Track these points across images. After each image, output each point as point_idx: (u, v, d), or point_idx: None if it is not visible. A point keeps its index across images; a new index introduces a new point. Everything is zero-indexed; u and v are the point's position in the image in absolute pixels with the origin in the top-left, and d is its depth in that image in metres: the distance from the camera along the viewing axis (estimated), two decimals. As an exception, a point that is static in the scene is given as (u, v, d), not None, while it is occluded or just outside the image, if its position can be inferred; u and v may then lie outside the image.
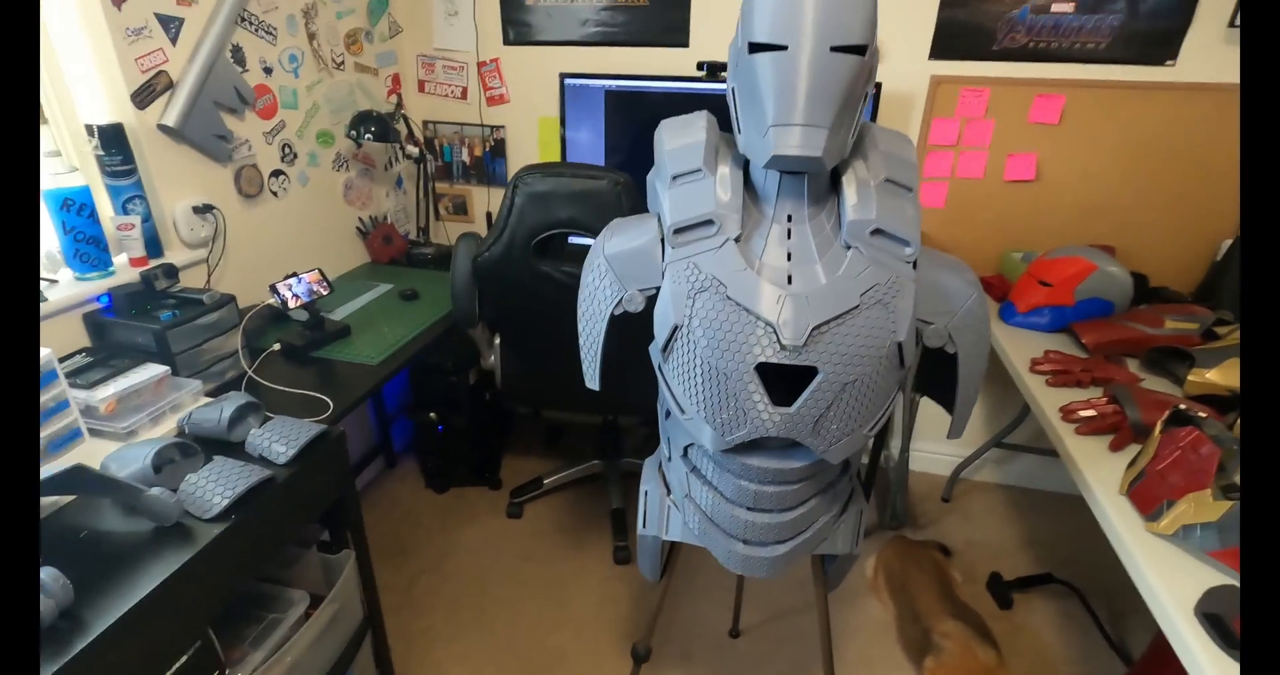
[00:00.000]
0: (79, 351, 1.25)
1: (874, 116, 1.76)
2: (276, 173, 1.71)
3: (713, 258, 0.86)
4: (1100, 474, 1.16)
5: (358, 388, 1.43)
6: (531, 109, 2.14)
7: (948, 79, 1.82)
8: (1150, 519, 1.02)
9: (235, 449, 1.15)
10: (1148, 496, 1.05)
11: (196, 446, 1.09)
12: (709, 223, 0.88)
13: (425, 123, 2.24)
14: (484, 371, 1.90)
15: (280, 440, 1.14)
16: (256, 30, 1.58)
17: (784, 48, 0.78)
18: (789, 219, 0.89)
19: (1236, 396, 1.24)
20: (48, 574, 0.79)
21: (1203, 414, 1.08)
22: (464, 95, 2.17)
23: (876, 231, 0.85)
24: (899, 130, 1.02)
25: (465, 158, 2.26)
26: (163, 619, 0.91)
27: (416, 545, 2.04)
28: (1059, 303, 1.67)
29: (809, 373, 0.83)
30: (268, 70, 1.63)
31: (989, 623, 1.60)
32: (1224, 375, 1.33)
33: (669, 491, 1.09)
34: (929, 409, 2.30)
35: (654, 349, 0.93)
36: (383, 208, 2.17)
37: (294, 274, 1.55)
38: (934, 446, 2.35)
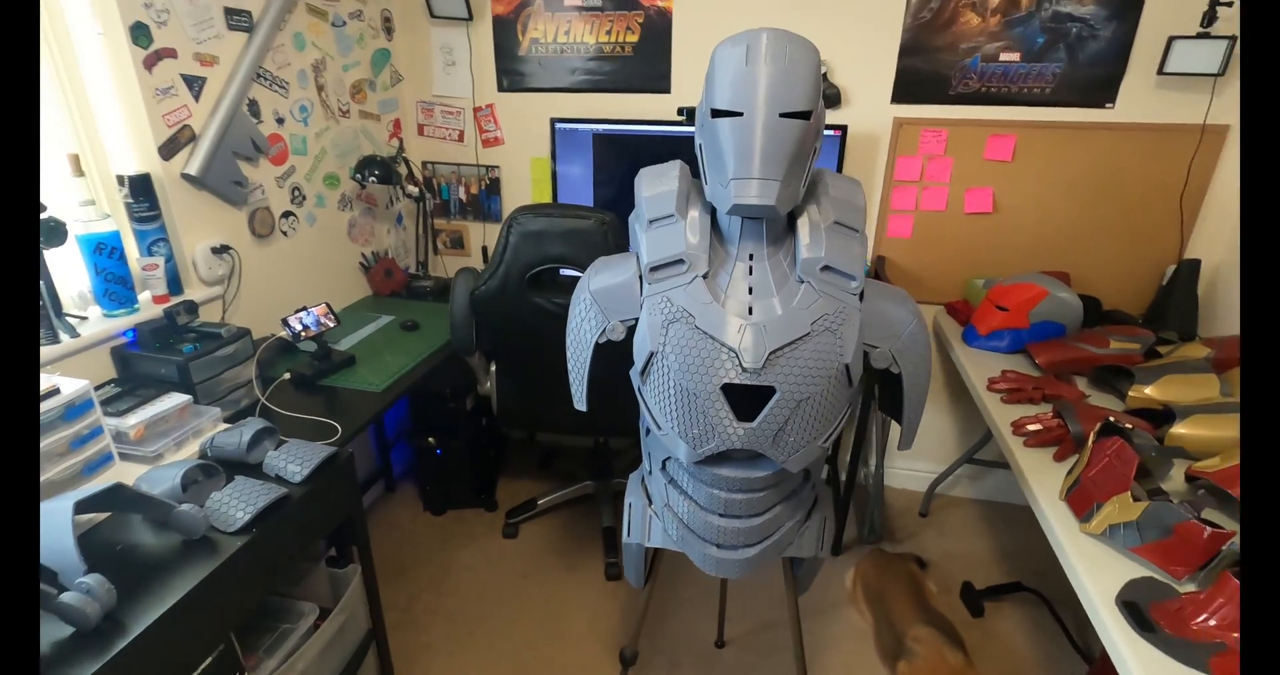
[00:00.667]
0: (108, 382, 1.36)
1: (841, 155, 1.91)
2: (287, 214, 1.84)
3: (683, 292, 0.99)
4: (1044, 482, 1.27)
5: (363, 413, 1.54)
6: (524, 150, 2.29)
7: (909, 121, 1.98)
8: (1083, 521, 1.14)
9: (254, 470, 1.25)
10: (1081, 500, 1.16)
11: (219, 467, 1.19)
12: (680, 262, 1.01)
13: (424, 163, 2.39)
14: (481, 397, 2.00)
15: (295, 461, 1.24)
16: (271, 85, 1.72)
17: (740, 114, 0.91)
18: (750, 257, 1.01)
19: (1170, 409, 1.36)
20: (94, 580, 0.89)
21: (1128, 425, 1.20)
22: (461, 138, 2.32)
23: (826, 268, 0.98)
24: (852, 176, 1.15)
25: (462, 195, 2.40)
26: (191, 623, 1.01)
27: (416, 565, 2.12)
28: (1016, 326, 1.80)
29: (768, 392, 0.95)
30: (280, 120, 1.77)
31: (961, 630, 1.70)
32: (1160, 390, 1.46)
33: (650, 502, 1.19)
34: (894, 425, 2.41)
35: (634, 373, 1.05)
36: (384, 244, 2.30)
37: (304, 308, 1.66)
38: (911, 464, 2.45)
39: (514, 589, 2.02)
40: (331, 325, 1.70)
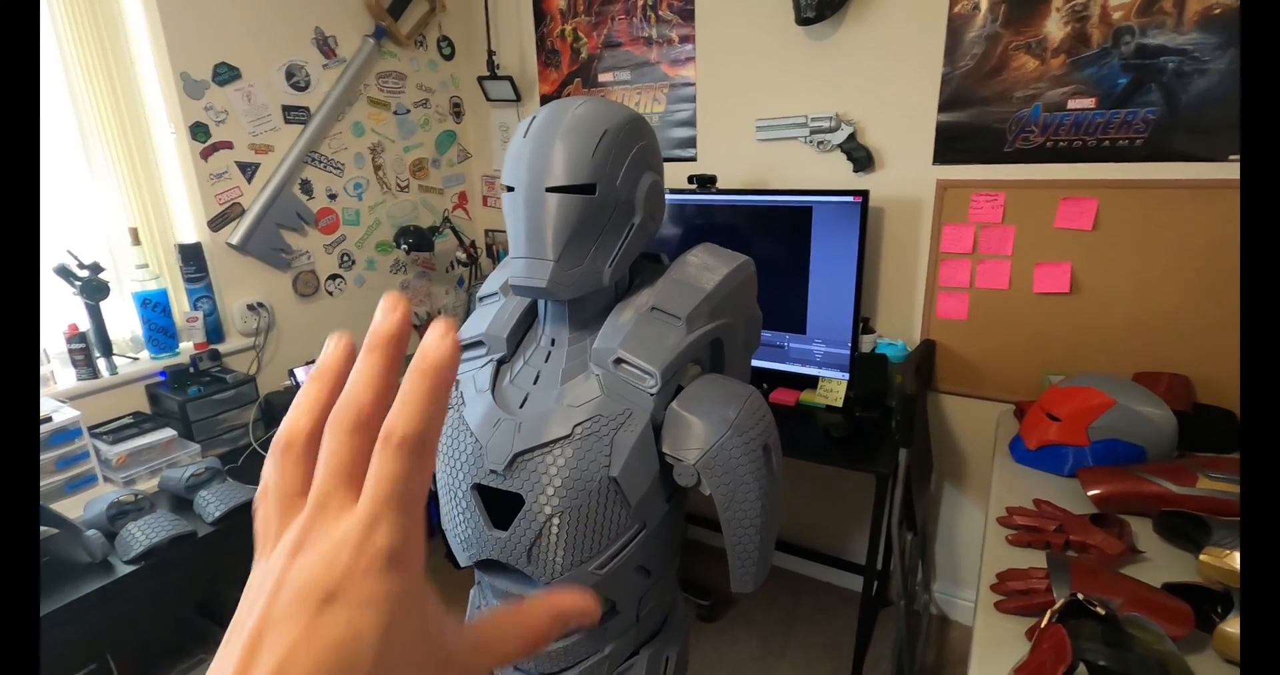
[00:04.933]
0: (129, 414, 1.63)
1: (864, 225, 1.67)
2: (333, 276, 2.09)
3: (471, 377, 0.92)
4: (991, 667, 0.93)
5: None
6: (570, 218, 2.35)
7: (956, 183, 1.68)
8: (1001, 739, 0.80)
9: (187, 506, 1.39)
10: (1009, 708, 0.82)
11: (149, 499, 1.35)
12: (481, 343, 0.94)
13: (486, 231, 2.57)
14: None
15: (217, 501, 1.36)
16: (325, 167, 2.00)
17: (512, 189, 0.85)
18: (553, 342, 0.92)
19: (1229, 594, 0.92)
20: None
21: (1100, 610, 0.83)
22: (516, 207, 2.46)
23: (619, 360, 0.85)
24: (741, 254, 0.99)
25: (516, 260, 2.53)
26: (61, 638, 1.12)
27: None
28: (1072, 442, 1.38)
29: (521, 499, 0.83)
30: (332, 196, 2.04)
31: None
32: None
33: (474, 603, 1.09)
34: (971, 547, 1.95)
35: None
36: (440, 304, 2.49)
37: (312, 360, 1.85)
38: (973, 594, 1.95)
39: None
40: (335, 377, 1.86)
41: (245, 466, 1.59)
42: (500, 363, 0.92)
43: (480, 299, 1.02)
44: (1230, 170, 1.41)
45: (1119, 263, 1.55)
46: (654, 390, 0.83)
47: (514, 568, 0.90)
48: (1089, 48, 1.47)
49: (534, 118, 0.85)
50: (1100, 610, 0.83)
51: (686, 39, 1.94)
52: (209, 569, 1.35)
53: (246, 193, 1.82)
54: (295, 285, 1.99)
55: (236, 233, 1.80)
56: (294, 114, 1.89)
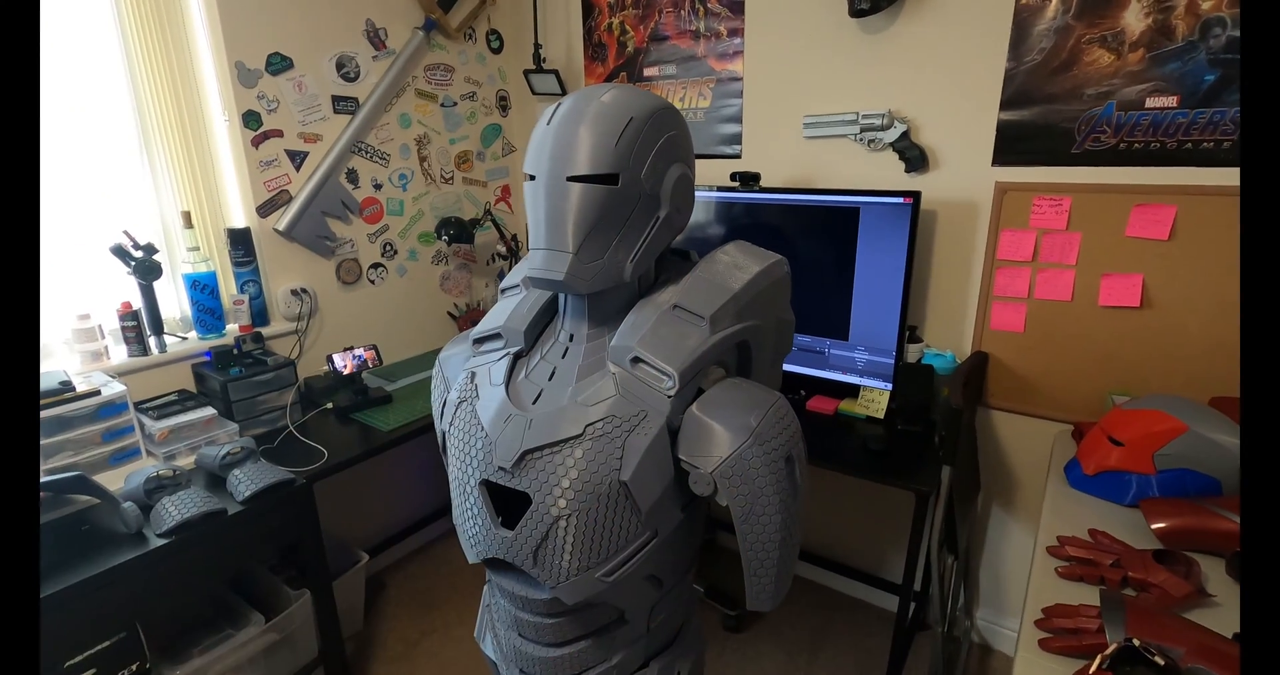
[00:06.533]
0: (174, 392, 1.68)
1: (914, 228, 1.58)
2: (376, 265, 2.12)
3: (487, 370, 0.90)
4: (1029, 710, 0.85)
5: (363, 449, 1.66)
6: (611, 214, 2.33)
7: (1016, 186, 1.57)
8: (1034, 792, 0.73)
9: (220, 484, 1.43)
10: (1044, 758, 0.74)
11: (186, 475, 1.38)
12: (499, 336, 0.92)
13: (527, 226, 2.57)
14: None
15: (248, 481, 1.39)
16: (371, 157, 2.03)
17: (534, 178, 0.82)
18: (571, 338, 0.89)
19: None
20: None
21: (1159, 660, 0.75)
22: (558, 202, 2.45)
23: (636, 360, 0.81)
24: (774, 253, 0.94)
25: (556, 255, 2.52)
26: (95, 604, 1.16)
27: (442, 605, 2.18)
28: (1137, 469, 1.27)
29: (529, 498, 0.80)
30: (377, 186, 2.06)
31: None
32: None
33: (486, 600, 1.07)
34: (1018, 574, 1.83)
35: (445, 454, 0.97)
36: (480, 296, 2.50)
37: (350, 347, 1.88)
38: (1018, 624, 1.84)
39: (510, 655, 1.95)
40: (371, 366, 1.89)
41: (280, 448, 1.63)
42: (517, 357, 0.90)
43: (503, 290, 1.00)
44: (1333, 177, 1.27)
45: (1197, 277, 1.42)
46: (671, 392, 0.79)
47: (521, 569, 0.88)
48: (1173, 41, 1.35)
49: (559, 105, 0.82)
50: (1160, 660, 0.75)
51: (735, 32, 1.89)
52: (238, 547, 1.38)
53: (294, 180, 1.86)
54: (338, 273, 2.02)
55: (284, 219, 1.84)
56: (343, 104, 1.92)
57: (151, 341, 1.66)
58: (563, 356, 0.87)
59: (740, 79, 1.92)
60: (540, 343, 0.91)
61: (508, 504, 0.85)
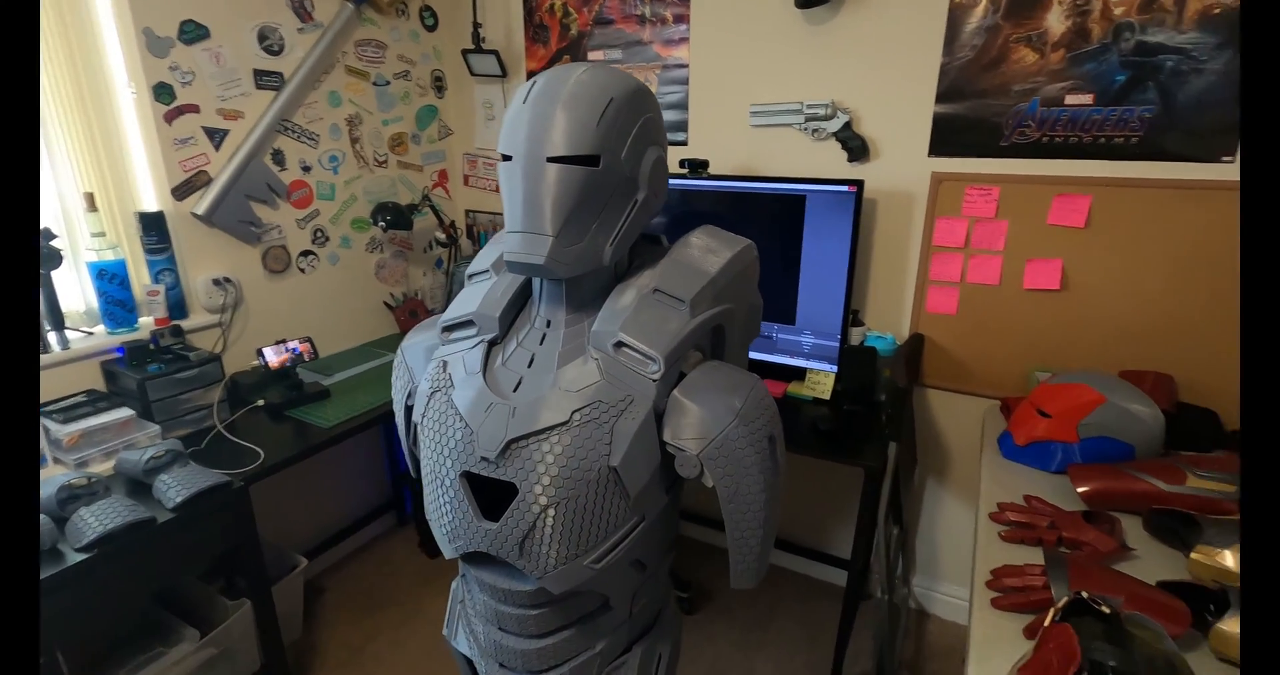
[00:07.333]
0: (82, 392, 1.52)
1: (858, 215, 1.64)
2: (306, 253, 1.99)
3: (460, 358, 0.86)
4: (990, 665, 0.91)
5: (302, 447, 1.57)
6: (554, 201, 2.29)
7: (950, 176, 1.66)
8: (1004, 739, 0.78)
9: (146, 491, 1.31)
10: (1009, 707, 0.80)
11: (104, 483, 1.26)
12: (471, 323, 0.89)
13: (467, 212, 2.49)
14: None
15: (178, 487, 1.28)
16: (299, 137, 1.90)
17: (509, 159, 0.79)
18: (548, 324, 0.86)
19: (1225, 592, 0.92)
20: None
21: (1105, 609, 0.82)
22: (498, 188, 2.38)
23: (620, 344, 0.80)
24: (743, 238, 0.95)
25: (497, 243, 2.45)
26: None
27: (387, 605, 2.10)
28: (1062, 438, 1.38)
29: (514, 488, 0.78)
30: (306, 168, 1.94)
31: None
32: (1237, 560, 1.00)
33: (459, 595, 1.04)
34: (951, 542, 1.96)
35: (416, 447, 0.93)
36: (417, 285, 2.40)
37: (283, 340, 1.76)
38: (962, 590, 1.97)
39: (463, 652, 1.91)
40: (306, 359, 1.78)
41: (209, 450, 1.51)
42: (491, 344, 0.87)
43: (470, 276, 0.97)
44: (1222, 172, 1.42)
45: (1109, 261, 1.55)
46: (656, 376, 0.79)
47: (503, 561, 0.86)
48: (1089, 43, 1.46)
49: (534, 83, 0.80)
50: (1105, 609, 0.82)
51: (681, 18, 1.89)
52: (169, 557, 1.27)
53: (214, 161, 1.72)
54: (265, 260, 1.89)
55: (203, 203, 1.70)
56: (266, 79, 1.79)
57: (51, 337, 1.50)
58: (540, 343, 0.85)
59: (686, 66, 1.92)
60: (514, 329, 0.89)
61: (488, 495, 0.83)
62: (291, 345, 1.77)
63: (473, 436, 0.79)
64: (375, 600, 2.12)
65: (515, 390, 0.82)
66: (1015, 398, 1.67)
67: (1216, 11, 1.35)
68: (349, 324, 2.18)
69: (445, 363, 0.87)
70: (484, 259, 0.96)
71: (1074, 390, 1.38)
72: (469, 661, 1.07)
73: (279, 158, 1.86)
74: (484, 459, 0.78)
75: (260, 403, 1.73)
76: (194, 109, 1.65)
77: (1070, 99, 1.50)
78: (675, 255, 0.88)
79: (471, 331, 0.89)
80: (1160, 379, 1.52)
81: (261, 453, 1.50)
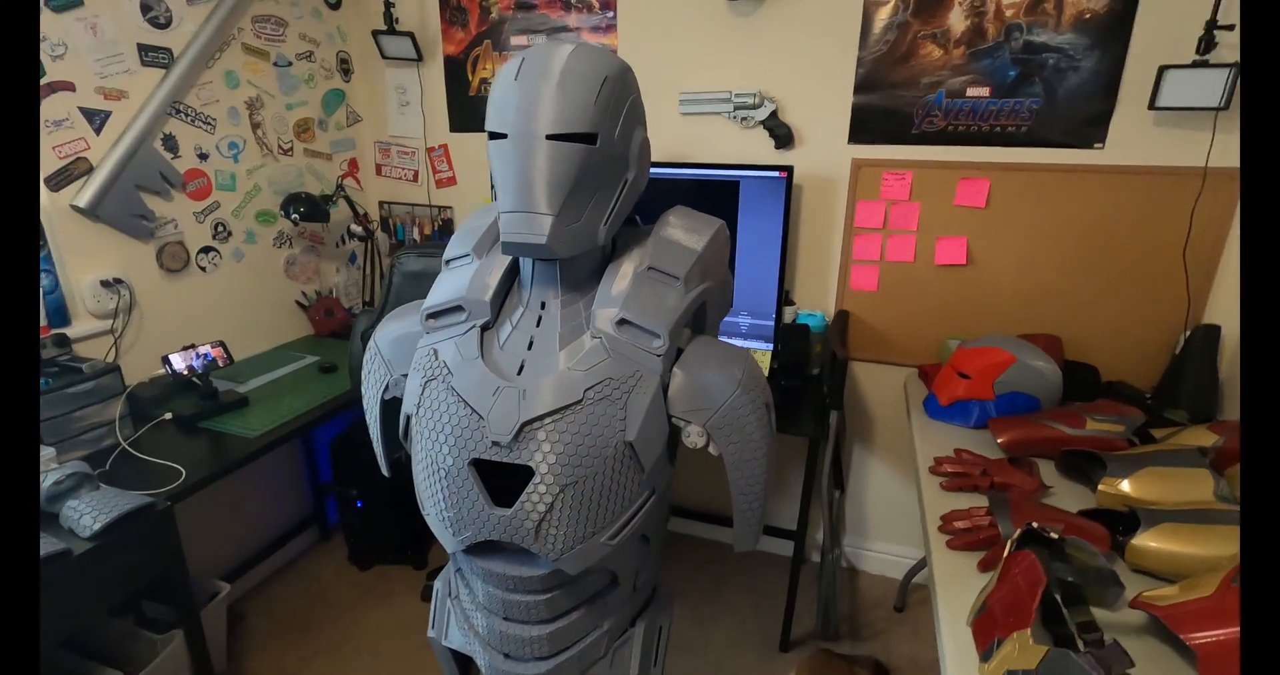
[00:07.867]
0: (-52, 415, 1.31)
1: (788, 199, 1.73)
2: (206, 249, 1.81)
3: (452, 345, 0.83)
4: (955, 599, 1.01)
5: (228, 460, 1.43)
6: (477, 191, 2.22)
7: (869, 162, 1.79)
8: (983, 658, 0.87)
9: (52, 520, 1.15)
10: (985, 630, 0.90)
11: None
12: (459, 309, 0.86)
13: (381, 203, 2.36)
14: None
15: (92, 512, 1.13)
16: (193, 121, 1.72)
17: (504, 136, 0.77)
18: (542, 306, 0.85)
19: (1135, 512, 1.07)
20: None
21: (1054, 534, 0.93)
22: (415, 178, 2.28)
23: (624, 322, 0.81)
24: (715, 218, 0.97)
25: (416, 236, 2.35)
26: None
27: (321, 624, 1.97)
28: (980, 396, 1.53)
29: (528, 472, 0.77)
30: (203, 156, 1.76)
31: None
32: (1136, 486, 1.17)
33: (451, 591, 1.01)
34: (878, 502, 2.12)
35: (406, 440, 0.89)
36: (330, 282, 2.25)
37: (191, 346, 1.60)
38: (887, 546, 2.14)
39: (416, 660, 1.83)
40: (221, 365, 1.62)
41: (116, 469, 1.35)
42: (484, 329, 0.85)
43: (447, 262, 0.93)
44: (1095, 157, 1.63)
45: (1006, 238, 1.74)
46: (661, 351, 0.80)
47: (511, 548, 0.84)
48: (985, 41, 1.62)
49: (521, 60, 0.78)
50: (1054, 535, 0.93)
51: (608, 5, 1.89)
52: (85, 593, 1.13)
53: (95, 146, 1.52)
54: (160, 258, 1.70)
55: (84, 194, 1.50)
56: (152, 55, 1.60)
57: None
58: (536, 325, 0.84)
59: (614, 53, 1.93)
60: (505, 312, 0.87)
61: (492, 482, 0.81)
62: (203, 350, 1.61)
63: (480, 422, 0.77)
64: (306, 621, 1.98)
65: (519, 373, 0.80)
66: (931, 364, 1.84)
67: (1088, 16, 1.54)
68: (259, 326, 2.00)
69: (436, 350, 0.84)
70: (461, 243, 0.93)
71: (988, 353, 1.54)
72: (459, 660, 1.04)
73: (171, 144, 1.68)
74: (495, 444, 0.77)
75: (168, 416, 1.57)
76: (68, 87, 1.45)
77: (971, 91, 1.66)
78: (661, 234, 0.90)
79: (460, 317, 0.86)
80: (1051, 340, 1.72)
81: (183, 470, 1.36)
